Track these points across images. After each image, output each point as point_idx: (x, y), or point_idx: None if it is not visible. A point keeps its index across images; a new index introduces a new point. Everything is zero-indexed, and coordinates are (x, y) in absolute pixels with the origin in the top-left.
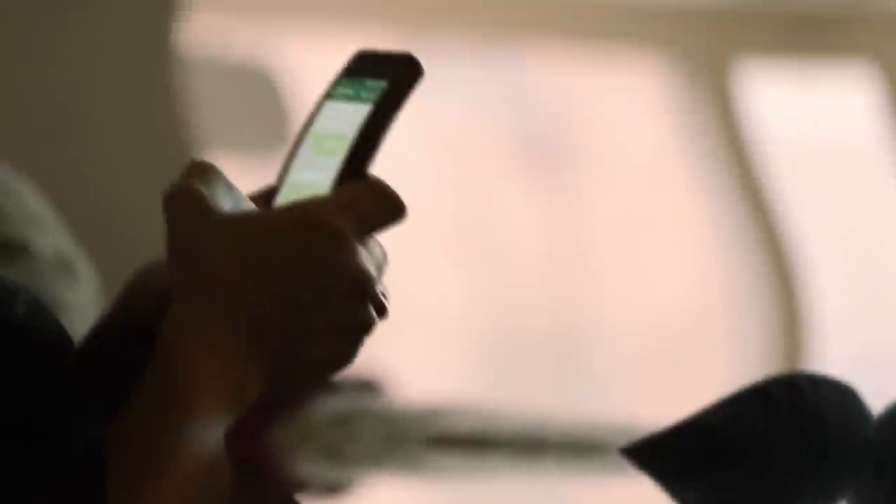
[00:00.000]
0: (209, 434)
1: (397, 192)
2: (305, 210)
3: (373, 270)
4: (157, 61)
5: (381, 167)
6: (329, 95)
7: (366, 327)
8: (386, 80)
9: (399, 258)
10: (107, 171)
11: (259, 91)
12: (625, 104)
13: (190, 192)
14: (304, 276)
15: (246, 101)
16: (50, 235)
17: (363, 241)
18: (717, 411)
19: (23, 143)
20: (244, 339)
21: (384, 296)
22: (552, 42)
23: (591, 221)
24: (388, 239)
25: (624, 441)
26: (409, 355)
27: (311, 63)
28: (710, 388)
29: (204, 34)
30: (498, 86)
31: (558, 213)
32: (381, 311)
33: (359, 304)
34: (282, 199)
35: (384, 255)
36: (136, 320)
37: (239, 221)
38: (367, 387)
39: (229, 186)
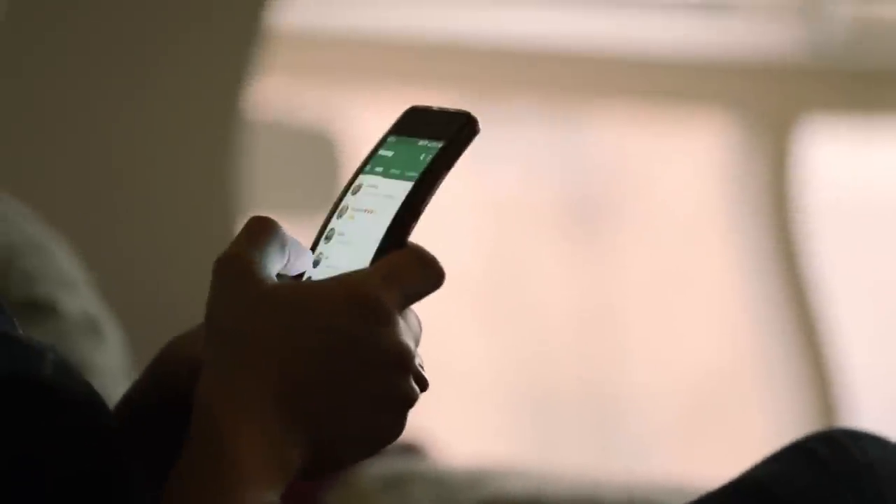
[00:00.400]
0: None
1: (436, 259)
2: (351, 284)
3: (412, 344)
4: (223, 123)
5: (420, 229)
6: (376, 153)
7: (409, 401)
8: (438, 140)
9: (432, 322)
10: (154, 233)
11: (320, 154)
12: (678, 163)
13: (241, 258)
14: (347, 351)
15: (306, 163)
16: (78, 296)
17: (404, 314)
18: (764, 469)
19: (74, 197)
20: (287, 411)
21: (422, 367)
22: (612, 102)
23: (626, 281)
24: (421, 303)
25: (678, 501)
26: (446, 419)
27: (373, 125)
28: (744, 445)
29: (272, 97)
30: (552, 147)
31: (595, 273)
32: (422, 383)
33: (401, 378)
34: (322, 266)
35: (420, 326)
36: (164, 389)
37: (285, 293)
38: (411, 451)
39: (284, 245)
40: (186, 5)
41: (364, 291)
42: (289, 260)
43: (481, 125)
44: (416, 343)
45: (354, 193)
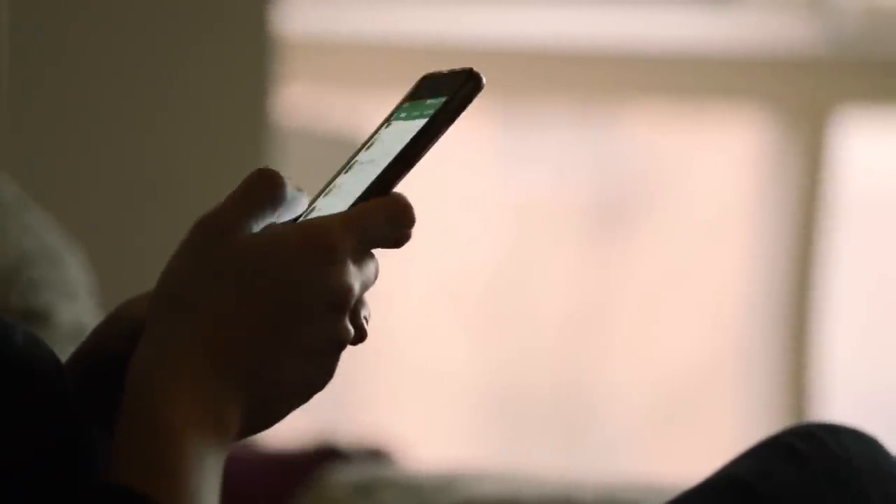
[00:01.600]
0: (202, 464)
1: (410, 207)
2: (308, 228)
3: (357, 286)
4: (249, 131)
5: (435, 229)
6: (389, 120)
7: (341, 342)
8: (444, 96)
9: (417, 322)
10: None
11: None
12: (710, 161)
13: (219, 219)
14: (287, 297)
15: (334, 170)
16: (76, 306)
17: (358, 258)
18: (743, 466)
19: (99, 206)
20: (222, 367)
21: (366, 319)
22: (640, 101)
23: (628, 284)
24: (415, 307)
25: (655, 500)
26: (416, 422)
27: None
28: (718, 442)
29: (298, 105)
30: (580, 149)
31: (601, 276)
32: (360, 331)
33: (336, 319)
34: (310, 215)
35: (376, 274)
36: (106, 349)
37: (242, 245)
38: (377, 456)
39: (278, 203)
40: (204, 14)
41: (318, 234)
42: (279, 214)
43: (508, 127)
44: (364, 288)
45: (359, 154)
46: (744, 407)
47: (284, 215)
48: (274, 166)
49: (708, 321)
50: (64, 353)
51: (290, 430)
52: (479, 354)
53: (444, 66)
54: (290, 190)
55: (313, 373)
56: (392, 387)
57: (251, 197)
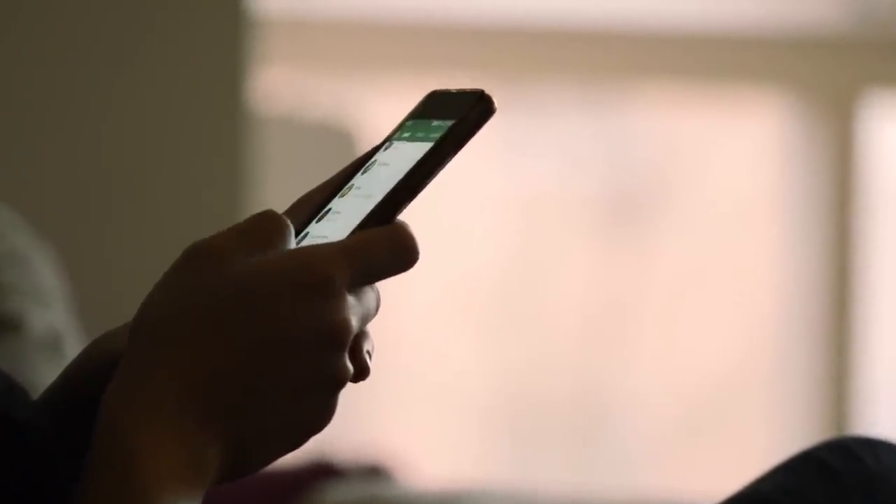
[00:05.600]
0: None
1: (414, 239)
2: (303, 257)
3: (355, 321)
4: (225, 119)
5: (436, 227)
6: (391, 138)
7: (337, 381)
8: (451, 119)
9: (421, 329)
10: (152, 242)
11: (335, 149)
12: (730, 149)
13: (214, 247)
14: (278, 332)
15: (320, 159)
16: (48, 312)
17: (356, 290)
18: (771, 482)
19: (66, 203)
20: (201, 408)
21: (369, 353)
22: (655, 84)
23: (652, 284)
24: (416, 311)
25: None
26: (418, 435)
27: (392, 116)
28: (747, 456)
29: (277, 90)
30: (589, 136)
31: (621, 276)
32: (362, 368)
33: (332, 356)
34: (302, 242)
35: (377, 305)
36: (84, 389)
37: (232, 274)
38: (375, 473)
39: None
40: None
41: (313, 264)
42: None
43: (512, 113)
44: (363, 322)
45: (363, 174)
46: (776, 418)
47: None
48: (252, 158)
49: (737, 323)
50: (38, 364)
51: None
52: (486, 361)
53: (446, 48)
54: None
55: (305, 415)
56: (392, 397)
57: (253, 238)
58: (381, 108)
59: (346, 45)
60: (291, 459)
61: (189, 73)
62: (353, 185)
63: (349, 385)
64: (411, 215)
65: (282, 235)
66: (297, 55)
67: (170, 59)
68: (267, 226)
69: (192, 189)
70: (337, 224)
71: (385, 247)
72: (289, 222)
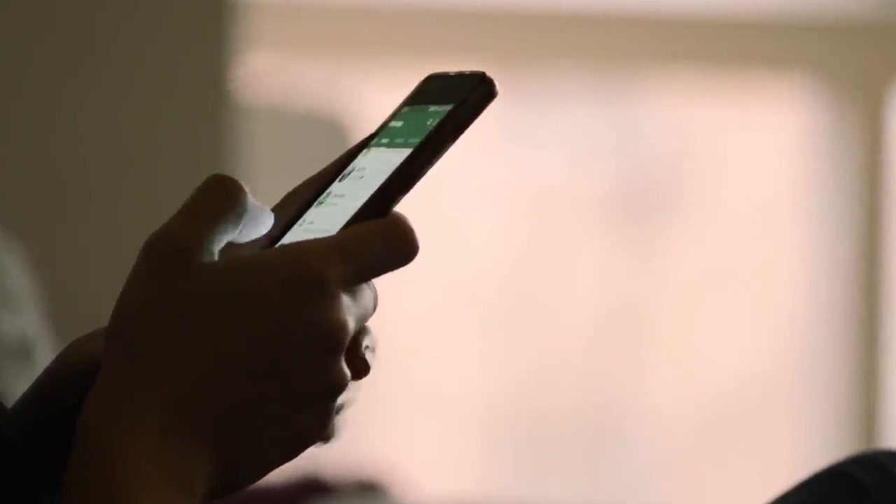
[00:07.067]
0: None
1: (412, 231)
2: (294, 255)
3: (351, 322)
4: (207, 109)
5: (435, 224)
6: (387, 125)
7: (334, 387)
8: (451, 104)
9: (421, 334)
10: (131, 240)
11: (327, 140)
12: (752, 140)
13: (175, 239)
14: (268, 338)
15: (310, 153)
16: (19, 315)
17: (351, 289)
18: (797, 499)
19: (38, 200)
20: (187, 422)
21: (370, 349)
22: (675, 70)
23: (668, 285)
24: (415, 314)
25: None
26: (416, 448)
27: (388, 105)
28: (770, 470)
29: (264, 78)
30: (603, 126)
31: (635, 277)
32: (362, 366)
33: (327, 361)
34: (288, 238)
35: (375, 303)
36: (58, 399)
37: (212, 274)
38: (369, 489)
39: (241, 215)
40: None
41: (304, 262)
42: (241, 229)
43: (516, 101)
44: (361, 321)
45: (353, 164)
46: (801, 430)
47: (247, 233)
48: (237, 151)
49: (758, 329)
50: (8, 372)
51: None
52: (488, 368)
53: (446, 28)
54: (251, 201)
55: (301, 425)
56: (386, 407)
57: (208, 211)
58: (375, 96)
59: (337, 30)
60: (280, 475)
61: (169, 61)
62: (347, 172)
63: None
64: (406, 211)
65: (237, 203)
66: (285, 40)
67: (149, 45)
68: (220, 194)
69: (173, 184)
70: (329, 216)
71: (380, 241)
72: (241, 184)
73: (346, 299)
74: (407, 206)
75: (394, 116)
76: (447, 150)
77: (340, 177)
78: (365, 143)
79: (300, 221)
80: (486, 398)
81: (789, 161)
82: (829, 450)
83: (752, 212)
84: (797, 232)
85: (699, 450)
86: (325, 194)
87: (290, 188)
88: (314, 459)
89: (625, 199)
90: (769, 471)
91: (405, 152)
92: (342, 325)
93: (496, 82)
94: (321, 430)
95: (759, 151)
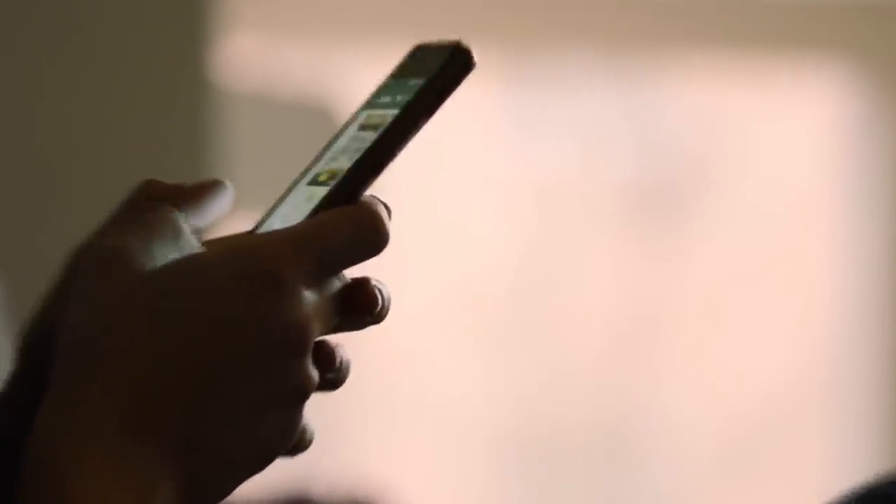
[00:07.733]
0: None
1: (379, 216)
2: (247, 252)
3: (317, 320)
4: (185, 95)
5: (435, 220)
6: (370, 101)
7: (300, 391)
8: (424, 76)
9: (419, 342)
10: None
11: (312, 129)
12: (779, 128)
13: (109, 249)
14: (224, 343)
15: (295, 141)
16: None
17: (316, 283)
18: None
19: (8, 197)
20: (146, 436)
21: (334, 353)
22: (696, 52)
23: (689, 288)
24: (413, 320)
25: None
26: (414, 465)
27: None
28: (799, 491)
29: (246, 61)
30: (619, 113)
31: (653, 279)
32: (327, 369)
33: (291, 363)
34: (263, 230)
35: (386, 304)
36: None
37: (161, 277)
38: None
39: (189, 219)
40: None
41: (257, 255)
42: (181, 245)
43: (522, 86)
44: (330, 319)
45: (330, 149)
46: (834, 446)
47: (200, 218)
48: (218, 140)
49: (788, 336)
50: None
51: (257, 476)
52: (493, 380)
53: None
54: (189, 185)
55: (266, 434)
56: (380, 421)
57: (139, 216)
58: (364, 80)
59: (324, 9)
60: (265, 493)
61: (146, 43)
62: (322, 160)
63: (332, 407)
64: (401, 208)
65: (164, 200)
66: (268, 21)
67: (124, 26)
68: (145, 196)
69: (151, 176)
70: (299, 208)
71: (345, 228)
72: (161, 182)
73: (308, 295)
74: (401, 201)
75: (379, 91)
76: (421, 128)
77: (318, 158)
78: (348, 125)
79: (277, 209)
80: (489, 412)
81: (822, 152)
82: (865, 469)
83: (781, 208)
84: (829, 230)
85: (723, 470)
86: (305, 177)
87: (272, 176)
88: (303, 476)
89: (642, 194)
90: (800, 493)
91: (378, 132)
92: (302, 324)
93: (473, 52)
94: (288, 438)
95: (788, 142)
